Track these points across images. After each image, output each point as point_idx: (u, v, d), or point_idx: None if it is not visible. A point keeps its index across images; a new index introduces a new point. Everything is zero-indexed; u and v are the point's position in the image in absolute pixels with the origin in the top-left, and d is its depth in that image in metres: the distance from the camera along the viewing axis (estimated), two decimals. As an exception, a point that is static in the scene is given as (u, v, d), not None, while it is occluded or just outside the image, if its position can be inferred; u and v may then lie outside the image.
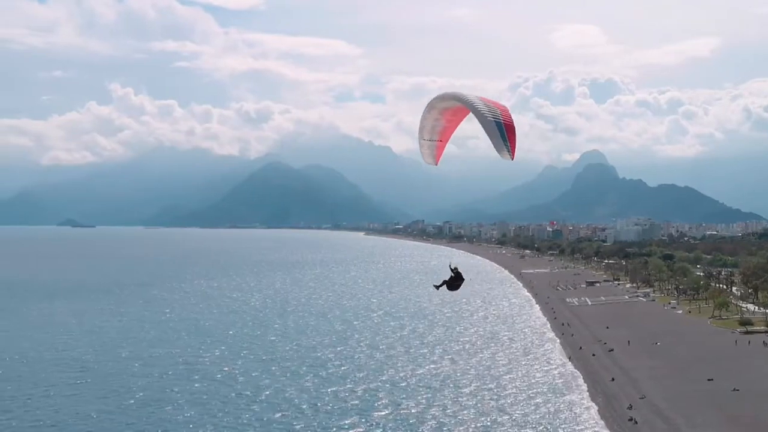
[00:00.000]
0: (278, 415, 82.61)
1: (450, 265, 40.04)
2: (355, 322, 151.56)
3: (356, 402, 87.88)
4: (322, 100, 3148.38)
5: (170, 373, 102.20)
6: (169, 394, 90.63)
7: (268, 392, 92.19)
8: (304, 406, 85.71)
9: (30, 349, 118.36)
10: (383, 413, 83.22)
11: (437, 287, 40.70)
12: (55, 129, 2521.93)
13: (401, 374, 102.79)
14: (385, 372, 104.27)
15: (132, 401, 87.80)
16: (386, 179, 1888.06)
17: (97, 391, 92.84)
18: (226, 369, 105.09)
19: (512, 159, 32.84)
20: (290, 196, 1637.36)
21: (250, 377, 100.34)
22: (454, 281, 39.64)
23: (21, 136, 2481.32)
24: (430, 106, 35.19)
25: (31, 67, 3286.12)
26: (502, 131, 32.44)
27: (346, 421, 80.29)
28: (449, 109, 35.47)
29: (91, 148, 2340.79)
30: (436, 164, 38.09)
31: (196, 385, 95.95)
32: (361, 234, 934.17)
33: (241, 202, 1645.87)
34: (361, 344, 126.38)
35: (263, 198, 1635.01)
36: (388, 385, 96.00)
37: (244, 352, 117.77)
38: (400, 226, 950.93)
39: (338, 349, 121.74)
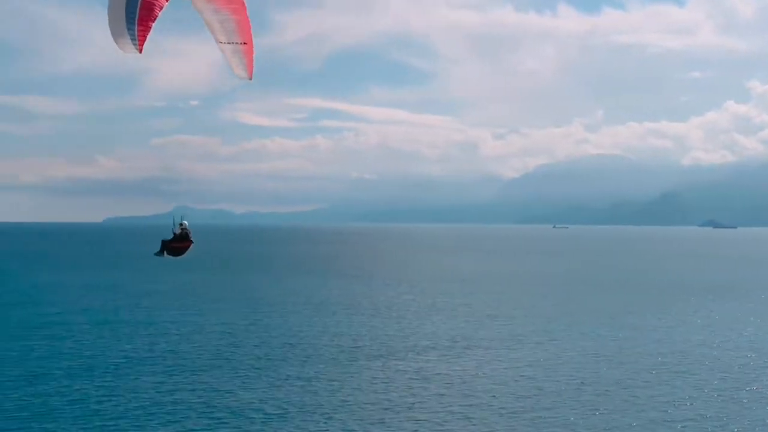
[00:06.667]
0: None
1: (174, 224, 31.83)
2: None
3: None
4: None
5: None
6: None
7: None
8: None
9: (695, 348, 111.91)
10: None
11: (158, 254, 32.87)
12: (694, 129, 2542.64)
13: None
14: None
15: None
16: None
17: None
18: None
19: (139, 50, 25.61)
20: None
21: None
22: (176, 242, 31.62)
23: (661, 138, 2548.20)
24: None
25: (669, 69, 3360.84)
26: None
27: None
28: None
29: (730, 147, 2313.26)
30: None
31: None
32: None
33: None
34: None
35: None
36: None
37: None
38: None
39: None
